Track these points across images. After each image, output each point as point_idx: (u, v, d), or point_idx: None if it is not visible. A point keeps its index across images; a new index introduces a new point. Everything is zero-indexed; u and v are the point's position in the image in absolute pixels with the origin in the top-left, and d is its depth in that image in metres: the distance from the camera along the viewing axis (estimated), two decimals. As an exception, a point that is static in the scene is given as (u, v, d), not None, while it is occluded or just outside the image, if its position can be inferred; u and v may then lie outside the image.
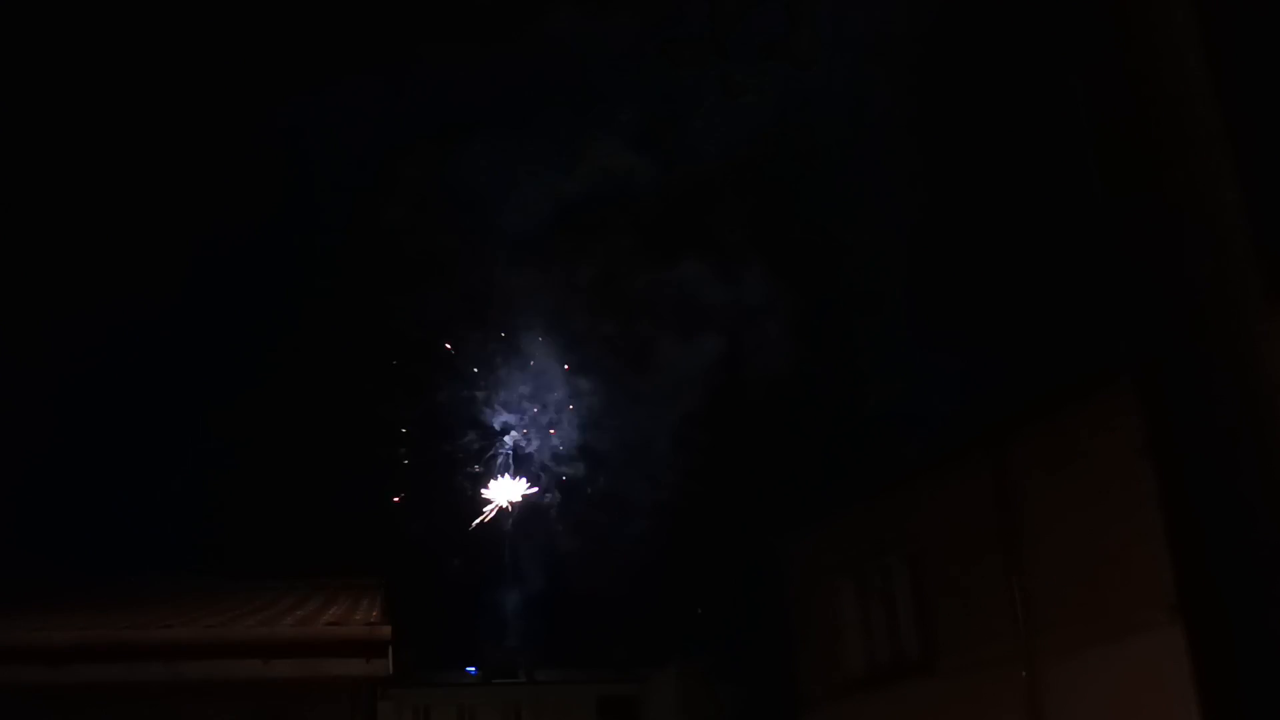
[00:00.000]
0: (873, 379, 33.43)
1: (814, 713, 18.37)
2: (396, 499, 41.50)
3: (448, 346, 42.84)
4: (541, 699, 38.92)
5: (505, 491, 42.09)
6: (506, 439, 43.52)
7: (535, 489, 42.71)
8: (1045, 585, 13.95)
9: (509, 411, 44.18)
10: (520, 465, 45.92)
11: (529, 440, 44.31)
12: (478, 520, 41.58)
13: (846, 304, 38.47)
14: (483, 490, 42.59)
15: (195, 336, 51.19)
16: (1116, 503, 13.00)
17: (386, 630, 7.34)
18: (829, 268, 39.91)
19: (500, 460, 43.40)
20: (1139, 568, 12.62)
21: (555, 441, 44.68)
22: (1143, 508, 12.52)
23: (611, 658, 39.56)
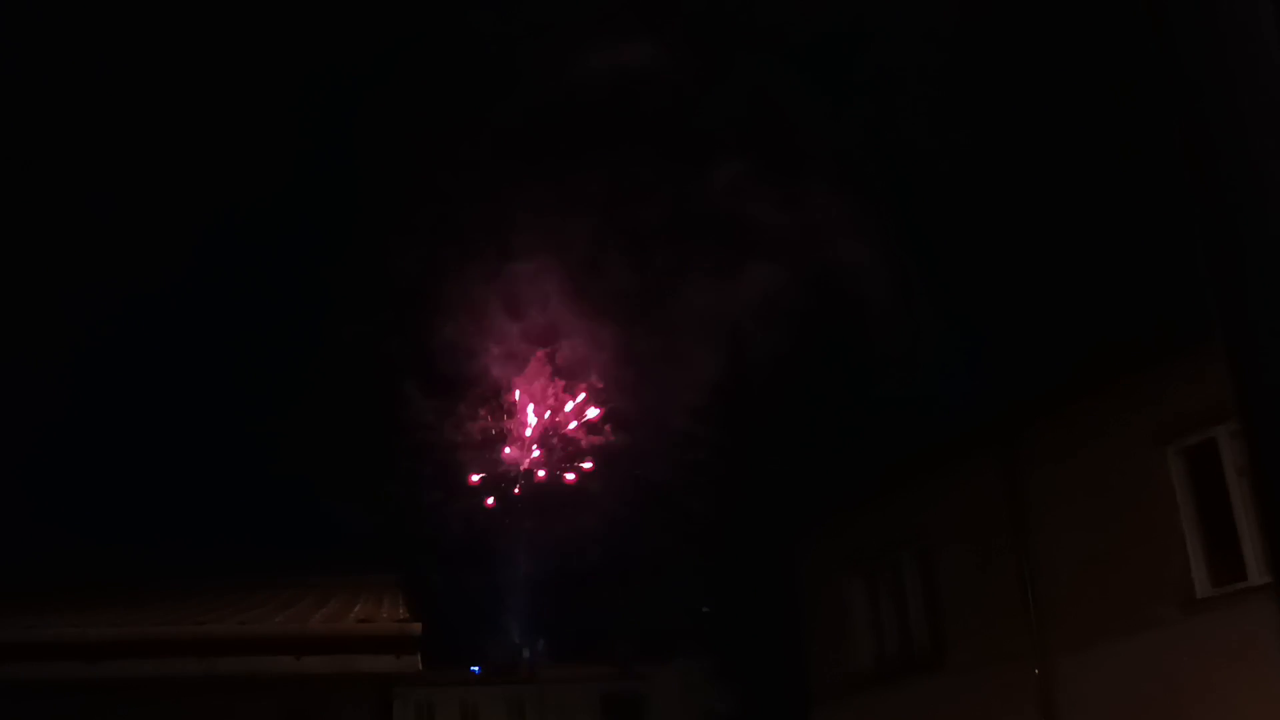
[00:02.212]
0: (882, 370, 33.44)
1: (824, 708, 18.43)
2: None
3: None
4: (545, 697, 38.94)
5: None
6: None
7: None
8: (1057, 579, 14.00)
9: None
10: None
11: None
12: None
13: (855, 295, 38.48)
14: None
15: (205, 330, 51.12)
16: (1129, 495, 13.08)
17: (417, 627, 7.40)
18: (837, 258, 39.85)
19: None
20: (1152, 561, 12.70)
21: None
22: (1156, 499, 12.64)
23: (616, 655, 39.59)
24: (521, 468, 46.79)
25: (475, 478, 46.05)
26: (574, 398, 47.55)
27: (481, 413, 46.40)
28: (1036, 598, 14.22)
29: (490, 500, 45.84)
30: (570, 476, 46.20)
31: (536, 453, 47.10)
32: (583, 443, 46.87)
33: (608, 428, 46.19)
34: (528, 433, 47.59)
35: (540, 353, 47.84)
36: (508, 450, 47.08)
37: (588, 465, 45.89)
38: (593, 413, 46.55)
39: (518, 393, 47.77)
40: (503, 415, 47.38)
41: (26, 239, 44.07)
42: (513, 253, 48.03)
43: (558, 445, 47.27)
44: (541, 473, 46.51)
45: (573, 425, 47.01)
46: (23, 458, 39.87)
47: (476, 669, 40.80)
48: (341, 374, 48.90)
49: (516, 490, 46.29)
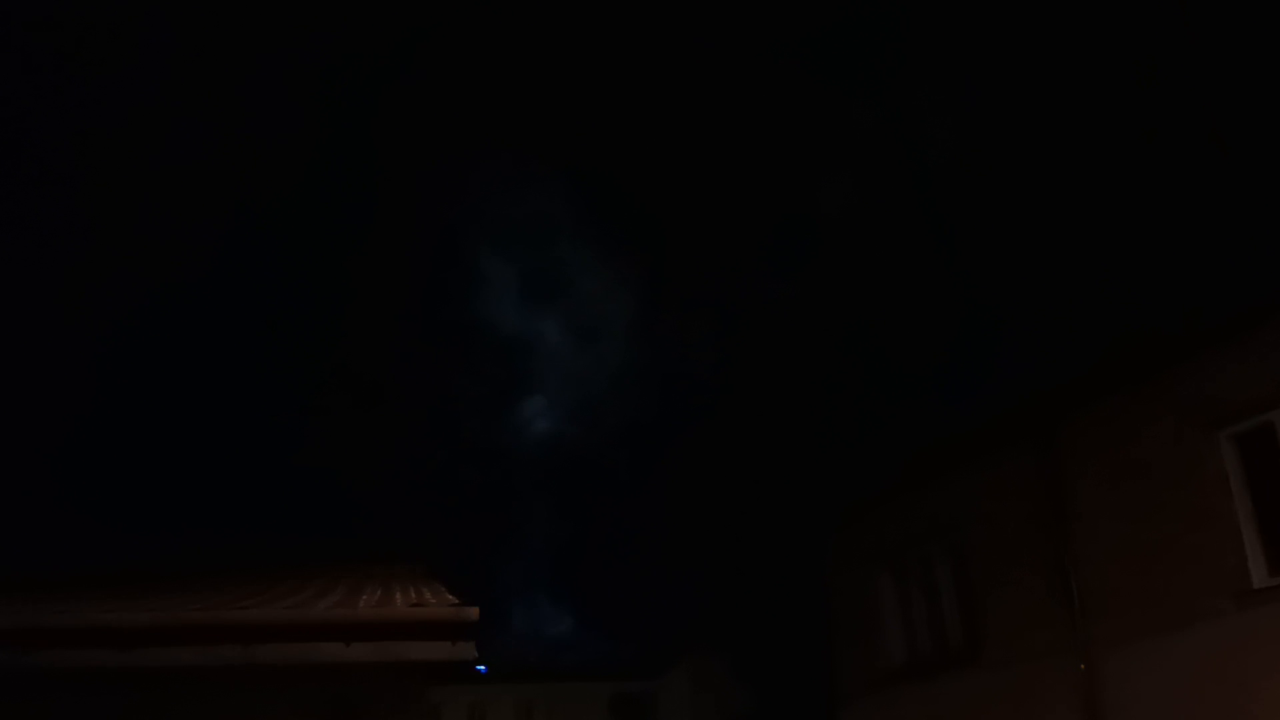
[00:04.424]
0: (911, 358, 33.04)
1: (852, 706, 18.00)
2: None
3: None
4: (553, 697, 38.49)
5: None
6: None
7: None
8: (1100, 571, 13.57)
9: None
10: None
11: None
12: None
13: (881, 283, 38.09)
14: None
15: (233, 323, 50.70)
16: (1179, 482, 12.66)
17: (473, 611, 7.00)
18: (864, 246, 39.47)
19: None
20: (1204, 551, 12.28)
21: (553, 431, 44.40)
22: (1208, 487, 12.23)
23: (624, 655, 39.23)
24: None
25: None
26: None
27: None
28: (1079, 591, 13.79)
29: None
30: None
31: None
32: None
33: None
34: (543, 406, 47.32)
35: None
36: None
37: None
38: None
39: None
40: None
41: (56, 234, 43.82)
42: (526, 232, 47.76)
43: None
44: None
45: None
46: (54, 449, 39.67)
47: (483, 668, 40.34)
48: (356, 369, 48.57)
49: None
